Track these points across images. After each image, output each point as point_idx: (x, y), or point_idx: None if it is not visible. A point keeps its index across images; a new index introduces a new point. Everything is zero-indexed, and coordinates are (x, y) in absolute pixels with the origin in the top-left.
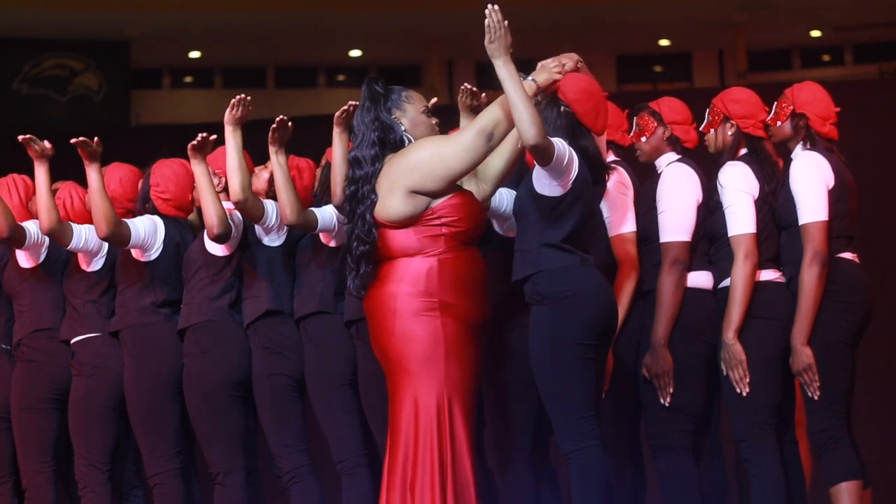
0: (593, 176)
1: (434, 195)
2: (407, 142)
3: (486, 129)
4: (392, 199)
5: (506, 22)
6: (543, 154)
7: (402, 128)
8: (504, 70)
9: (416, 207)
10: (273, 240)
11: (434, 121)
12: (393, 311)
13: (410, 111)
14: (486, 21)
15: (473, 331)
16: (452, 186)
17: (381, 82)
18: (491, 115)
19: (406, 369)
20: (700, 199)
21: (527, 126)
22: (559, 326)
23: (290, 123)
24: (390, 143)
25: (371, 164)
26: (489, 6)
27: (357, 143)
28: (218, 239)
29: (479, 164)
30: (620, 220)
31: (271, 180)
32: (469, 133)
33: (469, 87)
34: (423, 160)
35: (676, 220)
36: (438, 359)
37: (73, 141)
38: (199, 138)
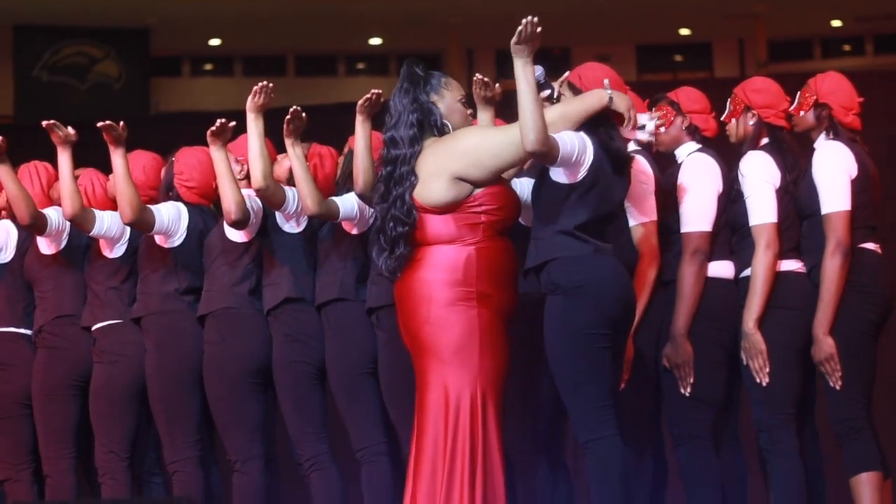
0: (615, 166)
1: (478, 184)
2: (447, 128)
3: (528, 138)
4: (435, 183)
5: (539, 28)
6: (544, 159)
7: (440, 112)
8: (522, 70)
9: (458, 194)
10: (293, 227)
11: (469, 111)
12: (428, 298)
13: (448, 97)
14: (520, 28)
15: (506, 322)
16: (497, 177)
17: (421, 66)
18: (546, 115)
19: (438, 358)
20: (721, 189)
21: (528, 132)
22: (572, 316)
23: (304, 114)
24: (428, 125)
25: (409, 146)
26: (529, 18)
27: (393, 124)
28: (236, 225)
29: (526, 161)
30: (641, 209)
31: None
32: (509, 136)
33: (482, 77)
34: (472, 148)
35: (697, 210)
36: (473, 350)
37: (99, 124)
38: (217, 124)
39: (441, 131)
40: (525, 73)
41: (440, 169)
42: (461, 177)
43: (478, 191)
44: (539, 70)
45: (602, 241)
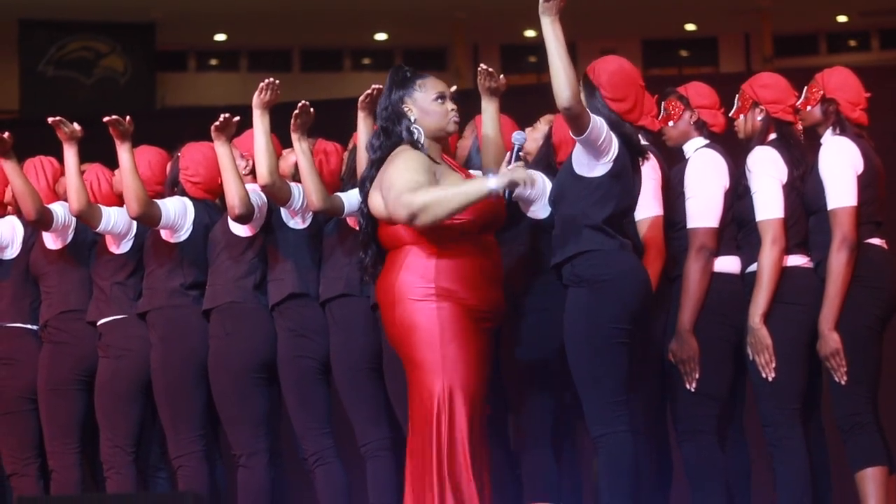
0: (634, 161)
1: None
2: (416, 133)
3: (412, 208)
4: (375, 195)
5: None
6: (576, 122)
7: (413, 117)
8: (551, 28)
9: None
10: (298, 223)
11: (450, 107)
12: (393, 300)
13: (420, 99)
14: None
15: (475, 315)
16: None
17: (406, 70)
18: (441, 199)
19: (409, 358)
20: (727, 185)
21: (561, 89)
22: (596, 309)
23: (311, 109)
24: (397, 133)
25: (374, 152)
26: None
27: (376, 130)
28: (240, 219)
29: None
30: (647, 203)
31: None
32: (404, 200)
33: (486, 68)
34: (385, 181)
35: (703, 206)
36: (434, 343)
37: (105, 119)
38: (221, 119)
39: (411, 137)
40: (554, 31)
41: (378, 184)
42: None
43: None
44: (521, 136)
45: (623, 237)
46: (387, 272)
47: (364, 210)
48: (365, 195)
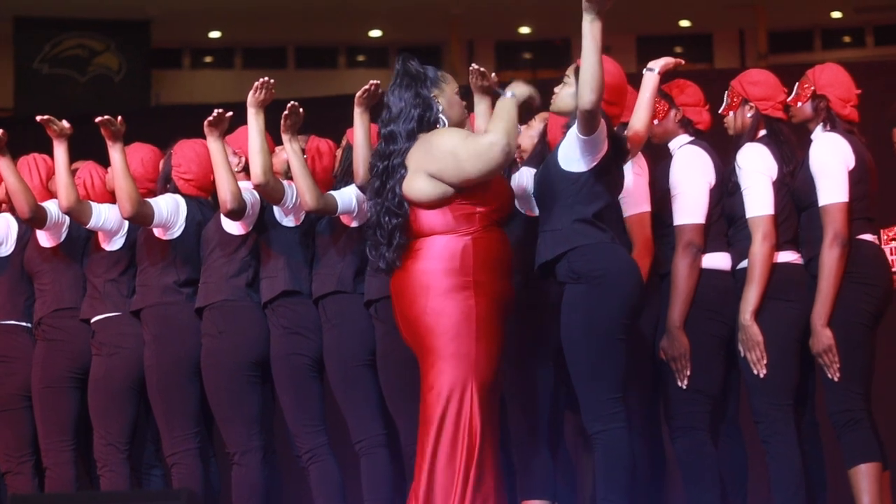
0: (617, 156)
1: (453, 187)
2: (441, 122)
3: (500, 143)
4: (417, 180)
5: None
6: (590, 122)
7: (440, 107)
8: (590, 26)
9: (443, 192)
10: (291, 221)
11: (464, 103)
12: (426, 288)
13: (448, 91)
14: None
15: (502, 311)
16: (470, 185)
17: (415, 60)
18: (506, 125)
19: (436, 348)
20: (713, 181)
21: (588, 91)
22: (596, 305)
23: (301, 110)
24: (427, 121)
25: (406, 140)
26: None
27: (393, 118)
28: (231, 215)
29: (495, 173)
30: (635, 200)
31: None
32: (486, 140)
33: (477, 67)
34: (444, 153)
35: (689, 202)
36: (470, 339)
37: (97, 120)
38: (215, 114)
39: (433, 127)
40: (593, 30)
41: (419, 166)
42: (437, 177)
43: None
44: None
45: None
46: (414, 260)
47: (399, 194)
48: (399, 180)
